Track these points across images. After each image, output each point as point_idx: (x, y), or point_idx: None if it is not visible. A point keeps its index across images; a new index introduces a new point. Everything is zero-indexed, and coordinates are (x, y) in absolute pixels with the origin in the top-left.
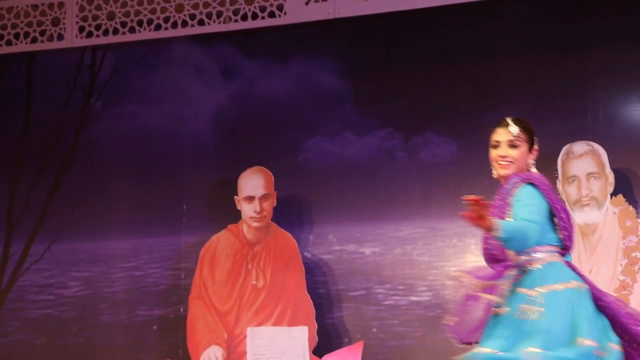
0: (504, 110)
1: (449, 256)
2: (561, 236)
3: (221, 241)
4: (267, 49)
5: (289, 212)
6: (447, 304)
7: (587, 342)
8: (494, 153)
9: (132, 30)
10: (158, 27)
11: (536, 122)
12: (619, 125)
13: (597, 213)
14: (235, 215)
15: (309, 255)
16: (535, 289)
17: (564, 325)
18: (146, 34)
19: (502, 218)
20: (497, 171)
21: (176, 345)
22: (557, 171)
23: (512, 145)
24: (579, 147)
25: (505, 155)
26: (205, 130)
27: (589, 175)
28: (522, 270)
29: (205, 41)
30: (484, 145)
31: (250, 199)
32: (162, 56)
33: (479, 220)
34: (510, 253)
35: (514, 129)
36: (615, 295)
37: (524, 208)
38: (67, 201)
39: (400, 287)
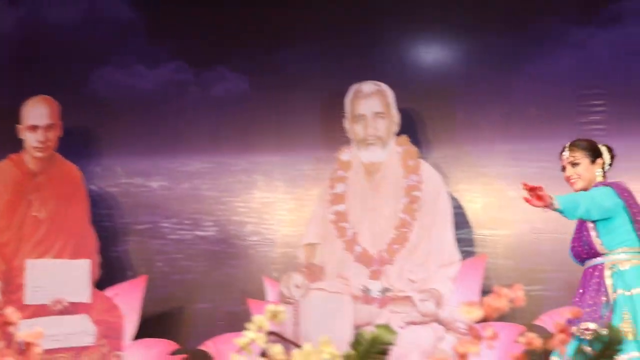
0: (295, 47)
1: (236, 191)
2: None
3: (2, 171)
4: None
5: (75, 144)
6: (232, 240)
7: None
8: (565, 175)
9: None
10: None
11: (326, 61)
12: (406, 66)
13: (382, 152)
14: (17, 145)
15: (94, 188)
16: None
17: None
18: None
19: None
20: (572, 188)
21: None
22: (344, 110)
23: (573, 164)
24: (367, 86)
25: (570, 176)
26: None
27: (376, 114)
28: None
29: None
30: (275, 82)
31: (33, 128)
32: None
33: (538, 199)
34: (601, 249)
35: (565, 153)
36: (395, 232)
37: (589, 193)
38: None
39: (187, 222)
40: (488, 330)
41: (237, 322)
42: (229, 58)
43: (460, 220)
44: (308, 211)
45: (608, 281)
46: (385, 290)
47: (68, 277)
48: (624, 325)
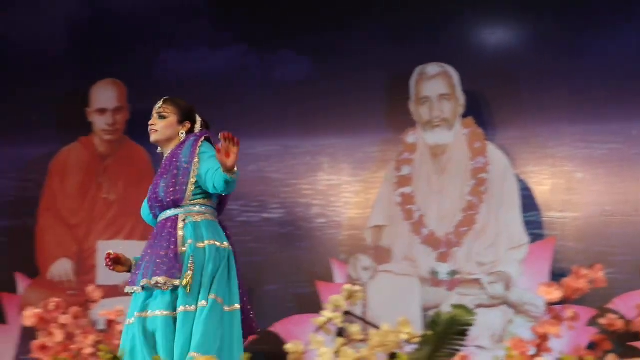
0: (360, 30)
1: (302, 174)
2: None
3: (72, 153)
4: None
5: (143, 126)
6: (299, 222)
7: None
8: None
9: None
10: None
11: (391, 44)
12: (471, 48)
13: (448, 134)
14: (87, 128)
15: None
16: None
17: None
18: None
19: None
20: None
21: (25, 257)
22: (409, 92)
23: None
24: (432, 68)
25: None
26: (57, 40)
27: (441, 96)
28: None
29: None
30: (340, 65)
31: (102, 111)
32: None
33: (227, 156)
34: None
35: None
36: (462, 215)
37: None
38: None
39: (254, 204)
40: (568, 311)
41: (305, 303)
42: (293, 41)
43: (529, 203)
44: (374, 193)
45: None
46: (453, 272)
47: None
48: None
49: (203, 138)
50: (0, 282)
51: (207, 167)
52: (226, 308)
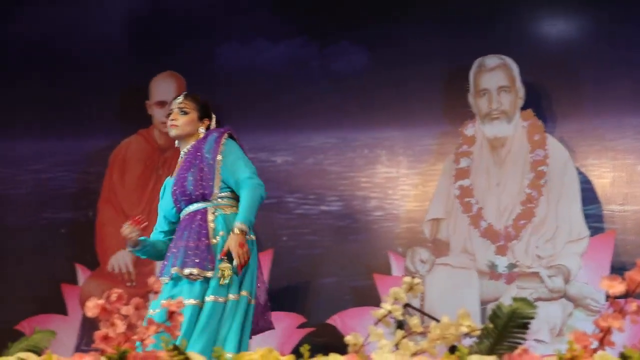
0: (417, 22)
1: (359, 167)
2: None
3: (132, 146)
4: None
5: None
6: (356, 215)
7: None
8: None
9: None
10: None
11: (449, 35)
12: (531, 39)
13: (507, 126)
14: (147, 120)
15: None
16: None
17: None
18: None
19: None
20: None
21: (85, 249)
22: (468, 84)
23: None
24: (491, 60)
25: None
26: (117, 34)
27: (500, 88)
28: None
29: None
30: (398, 56)
31: (161, 104)
32: None
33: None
34: None
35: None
36: (521, 208)
37: None
38: None
39: (311, 197)
40: (632, 305)
41: (363, 296)
42: (351, 32)
43: (589, 196)
44: (432, 186)
45: None
46: (512, 266)
47: None
48: None
49: (227, 135)
50: (61, 273)
51: (233, 180)
52: (252, 301)
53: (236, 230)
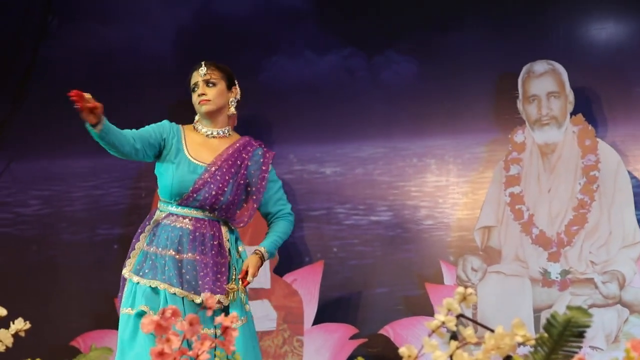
0: (465, 29)
1: (409, 176)
2: None
3: None
4: None
5: (248, 132)
6: (407, 224)
7: None
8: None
9: None
10: None
11: (497, 42)
12: (579, 44)
13: (557, 132)
14: None
15: None
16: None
17: None
18: None
19: None
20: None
21: None
22: (517, 90)
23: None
24: (540, 66)
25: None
26: (165, 49)
27: (549, 94)
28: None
29: None
30: (446, 64)
31: None
32: None
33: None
34: None
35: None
36: (573, 214)
37: None
38: (26, 120)
39: (361, 207)
40: None
41: (415, 306)
42: (398, 42)
43: None
44: (482, 194)
45: None
46: (565, 272)
47: None
48: None
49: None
50: (115, 288)
51: (271, 208)
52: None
53: (262, 254)
